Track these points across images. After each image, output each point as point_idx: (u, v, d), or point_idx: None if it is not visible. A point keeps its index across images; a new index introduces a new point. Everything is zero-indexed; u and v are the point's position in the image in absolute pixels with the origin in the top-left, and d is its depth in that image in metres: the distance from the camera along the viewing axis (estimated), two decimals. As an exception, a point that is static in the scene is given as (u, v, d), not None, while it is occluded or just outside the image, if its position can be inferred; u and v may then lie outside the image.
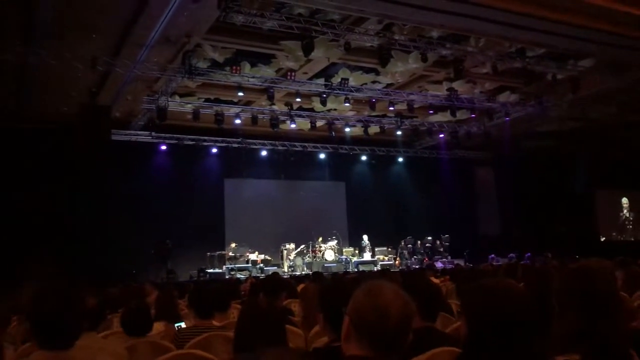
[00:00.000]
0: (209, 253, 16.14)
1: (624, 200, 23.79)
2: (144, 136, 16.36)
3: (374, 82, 15.08)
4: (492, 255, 17.92)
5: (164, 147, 16.94)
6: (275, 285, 5.00)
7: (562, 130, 18.70)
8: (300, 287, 7.06)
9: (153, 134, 16.32)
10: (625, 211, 23.80)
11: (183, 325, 4.37)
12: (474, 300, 1.66)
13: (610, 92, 14.86)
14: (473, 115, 17.03)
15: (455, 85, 15.21)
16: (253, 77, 13.64)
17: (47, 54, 10.83)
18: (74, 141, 14.04)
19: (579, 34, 11.09)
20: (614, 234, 23.20)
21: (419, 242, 18.79)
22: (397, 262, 17.82)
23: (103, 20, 10.11)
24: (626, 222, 23.75)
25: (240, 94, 14.29)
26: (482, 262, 15.53)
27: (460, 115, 16.95)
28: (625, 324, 2.30)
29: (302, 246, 17.05)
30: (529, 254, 17.77)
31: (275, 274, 9.28)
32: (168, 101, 14.08)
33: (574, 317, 2.15)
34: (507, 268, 7.07)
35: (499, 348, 1.52)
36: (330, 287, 2.76)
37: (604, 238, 22.75)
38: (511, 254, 17.82)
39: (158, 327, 4.32)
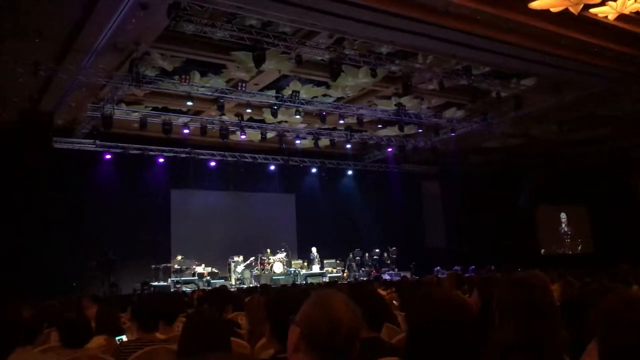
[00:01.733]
0: (153, 265, 15.75)
1: (563, 215, 24.78)
2: (87, 144, 15.87)
3: (324, 95, 15.20)
4: (438, 268, 18.26)
5: (108, 156, 16.44)
6: (221, 297, 4.93)
7: (506, 146, 19.35)
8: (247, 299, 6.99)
9: (97, 142, 15.85)
10: (563, 225, 24.77)
11: (124, 338, 4.24)
12: (415, 309, 1.68)
13: (550, 110, 15.49)
14: (420, 130, 17.40)
15: (404, 100, 15.52)
16: (203, 87, 13.50)
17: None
18: (14, 148, 13.51)
19: (522, 54, 11.55)
20: (553, 247, 24.10)
21: (367, 254, 18.94)
22: (345, 274, 17.90)
23: (47, 24, 9.80)
24: (564, 236, 24.71)
25: (189, 103, 14.11)
26: (428, 274, 15.80)
27: (408, 130, 17.29)
28: (561, 332, 2.38)
29: (252, 259, 16.87)
30: (473, 266, 18.21)
31: (222, 286, 9.16)
32: (114, 109, 13.72)
33: (513, 327, 2.21)
34: (452, 279, 7.22)
35: (439, 357, 1.54)
36: (277, 298, 2.75)
37: (543, 250, 23.60)
38: (456, 267, 18.20)
39: (98, 341, 4.18)
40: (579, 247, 24.51)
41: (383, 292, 7.98)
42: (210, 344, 2.24)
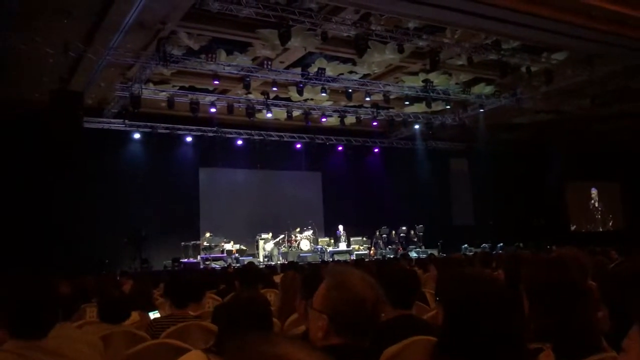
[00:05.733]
0: (183, 243, 16.03)
1: (593, 191, 24.33)
2: (117, 124, 16.09)
3: (350, 72, 15.08)
4: (465, 245, 18.18)
5: (137, 136, 16.69)
6: (252, 274, 4.98)
7: (536, 122, 18.99)
8: (276, 276, 7.07)
9: (126, 121, 16.06)
10: (593, 201, 24.34)
11: (157, 314, 4.33)
12: (454, 288, 1.68)
13: (582, 85, 15.12)
14: (448, 107, 17.17)
15: (431, 76, 15.30)
16: (229, 66, 13.51)
17: (18, 38, 10.56)
18: (45, 128, 13.76)
19: (553, 26, 11.24)
20: (584, 223, 23.74)
21: (393, 232, 18.91)
22: (372, 251, 17.94)
23: (76, 4, 9.89)
24: (595, 212, 24.30)
25: (216, 82, 14.16)
26: (456, 252, 15.75)
27: (436, 106, 17.08)
28: (595, 312, 2.34)
29: (281, 236, 16.99)
30: (501, 244, 18.08)
31: (250, 263, 9.26)
32: (142, 88, 13.87)
33: (546, 308, 2.17)
34: (481, 257, 7.19)
35: (478, 336, 1.54)
36: (313, 275, 2.77)
37: (574, 227, 23.25)
38: (484, 244, 18.10)
39: (133, 316, 4.28)
40: (610, 223, 24.09)
41: (411, 270, 7.97)
42: (252, 322, 2.25)
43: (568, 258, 2.34)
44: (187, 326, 3.62)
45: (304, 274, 3.13)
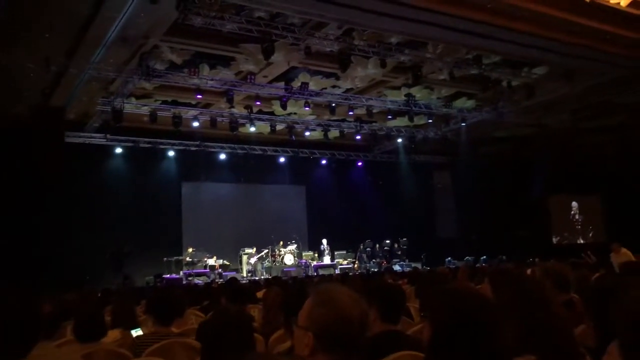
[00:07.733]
0: (165, 258, 15.83)
1: (574, 204, 24.62)
2: (98, 138, 15.95)
3: (333, 86, 15.15)
4: (449, 259, 18.24)
5: (119, 150, 16.55)
6: (238, 290, 4.95)
7: (517, 136, 19.21)
8: (259, 292, 7.01)
9: (108, 136, 15.93)
10: (574, 213, 24.62)
11: (140, 332, 4.27)
12: (440, 304, 1.68)
13: (562, 99, 15.33)
14: (430, 121, 17.31)
15: (413, 91, 15.44)
16: (212, 80, 13.50)
17: (-2, 53, 10.47)
18: (26, 143, 13.60)
19: (533, 42, 11.43)
20: (566, 234, 23.98)
21: (377, 245, 18.91)
22: (355, 265, 17.91)
23: (58, 19, 9.83)
24: (576, 225, 24.57)
25: (199, 96, 14.13)
26: (439, 265, 15.80)
27: (418, 120, 17.21)
28: (573, 325, 2.34)
29: (265, 251, 16.86)
30: (485, 257, 18.17)
31: (232, 278, 9.18)
32: (124, 103, 13.78)
33: (519, 321, 2.16)
34: (465, 270, 7.21)
35: (465, 353, 1.54)
36: (295, 292, 2.75)
37: (558, 238, 23.46)
38: (467, 257, 18.17)
39: (114, 334, 4.21)
40: (590, 235, 24.36)
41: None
42: (236, 339, 2.22)
43: (540, 272, 2.34)
44: (170, 343, 3.57)
45: (288, 291, 3.11)
